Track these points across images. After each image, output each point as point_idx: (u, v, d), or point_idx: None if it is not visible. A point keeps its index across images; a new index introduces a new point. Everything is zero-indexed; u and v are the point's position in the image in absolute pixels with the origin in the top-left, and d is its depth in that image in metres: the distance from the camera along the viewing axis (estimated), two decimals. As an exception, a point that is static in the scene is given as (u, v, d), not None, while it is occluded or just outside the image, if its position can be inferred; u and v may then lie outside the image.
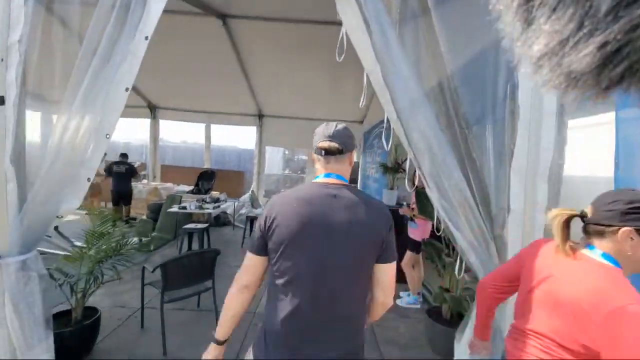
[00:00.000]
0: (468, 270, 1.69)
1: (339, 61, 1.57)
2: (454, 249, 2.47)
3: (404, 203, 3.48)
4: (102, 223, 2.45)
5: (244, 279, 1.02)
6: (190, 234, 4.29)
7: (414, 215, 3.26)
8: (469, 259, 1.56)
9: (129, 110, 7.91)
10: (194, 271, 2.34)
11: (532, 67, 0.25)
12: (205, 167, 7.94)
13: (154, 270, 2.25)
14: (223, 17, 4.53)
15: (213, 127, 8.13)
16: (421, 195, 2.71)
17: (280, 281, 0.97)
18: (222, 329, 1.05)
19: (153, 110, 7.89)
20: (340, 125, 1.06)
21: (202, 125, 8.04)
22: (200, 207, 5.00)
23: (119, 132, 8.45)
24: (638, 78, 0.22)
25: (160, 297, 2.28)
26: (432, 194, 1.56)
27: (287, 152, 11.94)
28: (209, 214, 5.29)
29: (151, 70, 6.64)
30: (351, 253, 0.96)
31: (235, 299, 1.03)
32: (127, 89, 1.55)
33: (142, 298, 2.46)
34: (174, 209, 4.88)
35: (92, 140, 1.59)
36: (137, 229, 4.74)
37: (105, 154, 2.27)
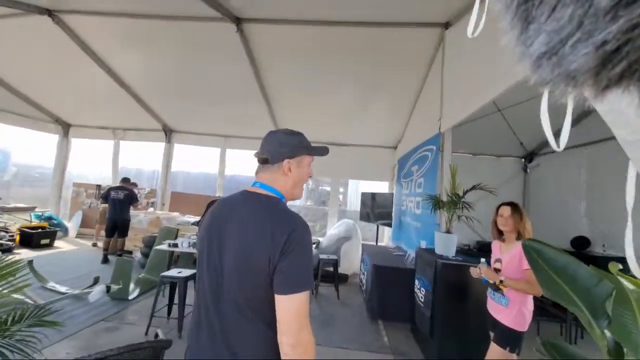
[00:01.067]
0: None
1: None
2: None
3: (483, 260, 2.20)
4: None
5: None
6: (172, 284, 3.24)
7: (500, 282, 2.00)
8: None
9: (144, 134, 7.51)
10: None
11: (531, 66, 0.25)
12: (217, 194, 7.12)
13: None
14: (238, 20, 3.88)
15: (229, 154, 7.45)
16: (534, 251, 1.49)
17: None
18: None
19: (168, 134, 7.41)
20: (278, 131, 1.05)
21: (218, 151, 7.39)
22: (196, 245, 4.00)
23: (130, 157, 8.01)
24: (637, 78, 0.21)
25: None
26: None
27: (310, 183, 10.98)
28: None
29: (167, 91, 6.23)
30: (236, 268, 0.86)
31: None
32: None
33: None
34: (164, 245, 3.93)
35: None
36: (114, 272, 3.78)
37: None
